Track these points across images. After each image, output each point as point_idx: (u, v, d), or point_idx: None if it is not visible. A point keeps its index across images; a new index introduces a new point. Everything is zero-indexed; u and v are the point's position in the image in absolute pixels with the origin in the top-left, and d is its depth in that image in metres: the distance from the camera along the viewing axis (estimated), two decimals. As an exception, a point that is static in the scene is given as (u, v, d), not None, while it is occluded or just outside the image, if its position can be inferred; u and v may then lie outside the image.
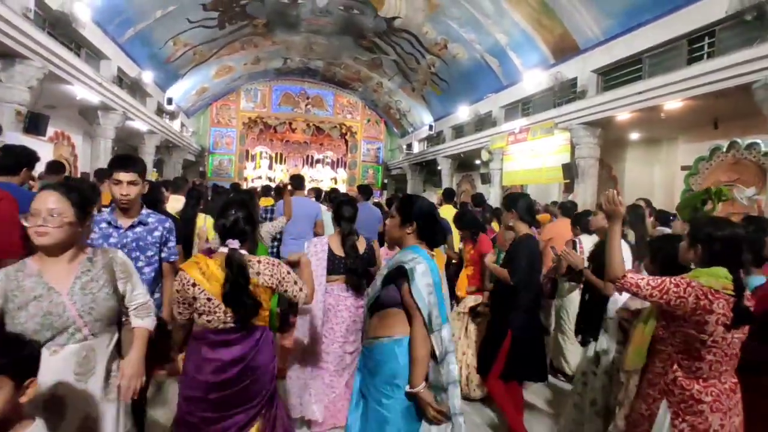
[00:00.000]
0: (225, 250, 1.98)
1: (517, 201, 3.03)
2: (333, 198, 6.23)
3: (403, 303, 1.94)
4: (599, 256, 3.09)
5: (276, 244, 5.53)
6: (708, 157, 8.01)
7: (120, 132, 9.57)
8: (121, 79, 9.92)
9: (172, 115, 13.73)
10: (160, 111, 12.65)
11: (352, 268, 3.12)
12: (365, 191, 6.24)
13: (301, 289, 2.10)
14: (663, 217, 5.45)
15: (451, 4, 10.09)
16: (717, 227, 1.92)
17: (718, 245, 1.87)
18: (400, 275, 1.93)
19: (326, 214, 5.24)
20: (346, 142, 19.96)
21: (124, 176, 2.34)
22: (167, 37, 10.95)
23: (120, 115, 9.02)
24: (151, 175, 11.60)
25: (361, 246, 3.27)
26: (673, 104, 6.51)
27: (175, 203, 4.67)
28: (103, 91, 8.12)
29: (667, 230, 4.33)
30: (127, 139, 11.68)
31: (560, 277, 4.26)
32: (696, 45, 6.49)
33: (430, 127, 15.66)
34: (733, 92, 5.61)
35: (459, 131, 14.04)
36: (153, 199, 3.25)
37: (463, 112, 12.98)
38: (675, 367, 1.88)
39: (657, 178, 9.39)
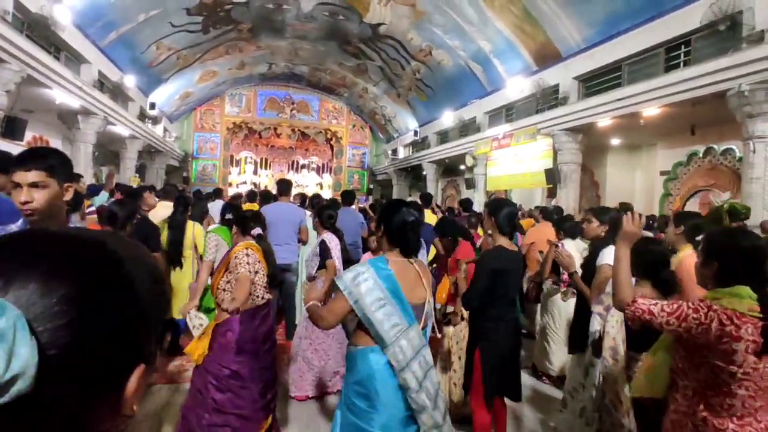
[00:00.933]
0: (250, 239, 2.76)
1: (500, 209, 2.83)
2: (315, 203, 6.21)
3: None
4: (591, 263, 3.09)
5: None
6: (686, 162, 8.22)
7: (101, 137, 9.42)
8: (102, 83, 9.77)
9: (155, 120, 13.56)
10: (142, 116, 12.49)
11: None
12: (346, 197, 6.25)
13: None
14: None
15: (436, 12, 10.20)
16: (733, 239, 1.68)
17: (736, 259, 1.62)
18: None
19: (308, 219, 5.24)
20: (332, 147, 19.95)
21: (23, 176, 1.57)
22: (150, 41, 10.83)
23: (101, 120, 8.88)
24: (132, 180, 11.43)
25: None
26: (651, 111, 6.66)
27: (163, 210, 4.60)
28: (83, 95, 7.99)
29: (647, 233, 4.40)
30: (109, 144, 11.50)
31: (545, 280, 4.30)
32: (673, 53, 6.66)
33: (415, 133, 15.75)
34: (708, 99, 5.77)
35: (444, 137, 14.15)
36: (132, 209, 3.19)
37: (447, 118, 13.09)
38: (702, 405, 1.62)
39: (638, 183, 9.59)
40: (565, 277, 3.99)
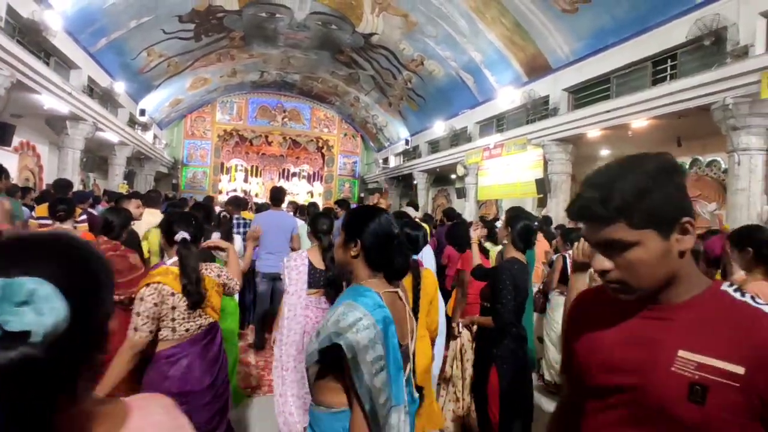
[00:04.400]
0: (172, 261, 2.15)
1: (517, 221, 2.73)
2: (312, 212, 6.12)
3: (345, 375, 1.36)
4: None
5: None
6: (672, 173, 8.35)
7: (89, 143, 9.32)
8: (92, 89, 9.70)
9: (145, 127, 13.47)
10: (132, 122, 12.40)
11: (331, 280, 3.06)
12: (342, 206, 6.23)
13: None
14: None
15: (428, 22, 10.31)
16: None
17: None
18: (337, 353, 1.32)
19: (303, 227, 5.20)
20: (323, 155, 19.96)
21: None
22: (141, 48, 10.79)
23: (90, 126, 8.79)
24: (121, 187, 11.31)
25: None
26: (639, 123, 6.78)
27: (149, 217, 4.53)
28: (72, 100, 7.91)
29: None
30: (97, 150, 11.38)
31: (551, 291, 4.29)
32: (660, 67, 6.80)
33: (407, 142, 15.83)
34: (694, 112, 5.89)
35: (435, 146, 14.24)
36: (127, 217, 3.15)
37: (438, 128, 13.18)
38: None
39: (625, 193, 9.70)
40: None
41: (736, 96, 5.16)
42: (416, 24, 10.58)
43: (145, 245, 4.11)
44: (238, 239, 4.59)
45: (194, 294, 2.02)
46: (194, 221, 2.22)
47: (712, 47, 5.77)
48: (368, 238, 1.47)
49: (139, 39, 10.36)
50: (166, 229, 2.17)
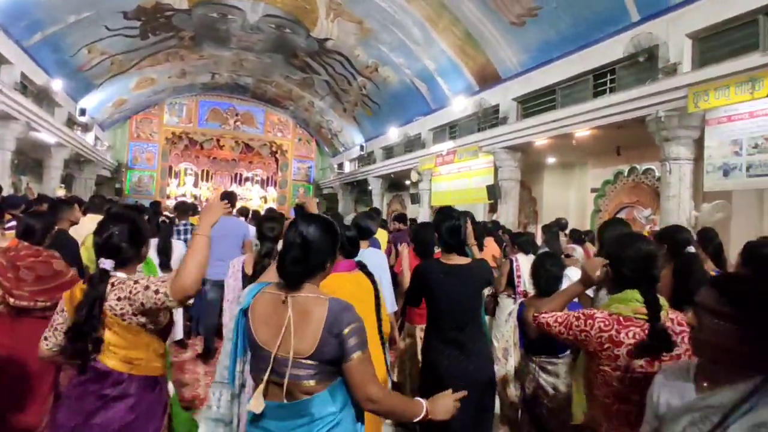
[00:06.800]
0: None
1: (442, 223, 2.63)
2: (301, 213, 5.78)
3: None
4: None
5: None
6: (613, 180, 8.85)
7: (22, 143, 8.70)
8: (25, 86, 9.06)
9: (85, 127, 12.73)
10: (71, 122, 11.68)
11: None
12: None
13: (157, 291, 1.62)
14: (576, 236, 5.90)
15: (382, 30, 10.41)
16: (620, 246, 1.73)
17: (626, 265, 1.66)
18: None
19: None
20: (277, 160, 19.63)
21: None
22: (81, 44, 10.21)
23: (22, 126, 8.21)
24: (58, 190, 10.62)
25: None
26: (582, 132, 7.14)
27: (91, 223, 4.26)
28: (2, 98, 7.36)
29: (579, 248, 4.67)
30: (31, 151, 10.64)
31: (500, 294, 4.36)
32: (600, 80, 7.20)
33: (361, 148, 15.85)
34: (631, 123, 6.27)
35: (389, 152, 14.35)
36: (51, 220, 2.96)
37: (393, 134, 13.30)
38: (604, 417, 1.62)
39: (571, 199, 10.18)
40: (521, 290, 4.08)
41: (667, 110, 5.55)
42: (371, 31, 10.66)
43: (84, 252, 3.87)
44: (181, 245, 4.43)
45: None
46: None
47: (646, 63, 6.18)
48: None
49: (79, 35, 9.80)
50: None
